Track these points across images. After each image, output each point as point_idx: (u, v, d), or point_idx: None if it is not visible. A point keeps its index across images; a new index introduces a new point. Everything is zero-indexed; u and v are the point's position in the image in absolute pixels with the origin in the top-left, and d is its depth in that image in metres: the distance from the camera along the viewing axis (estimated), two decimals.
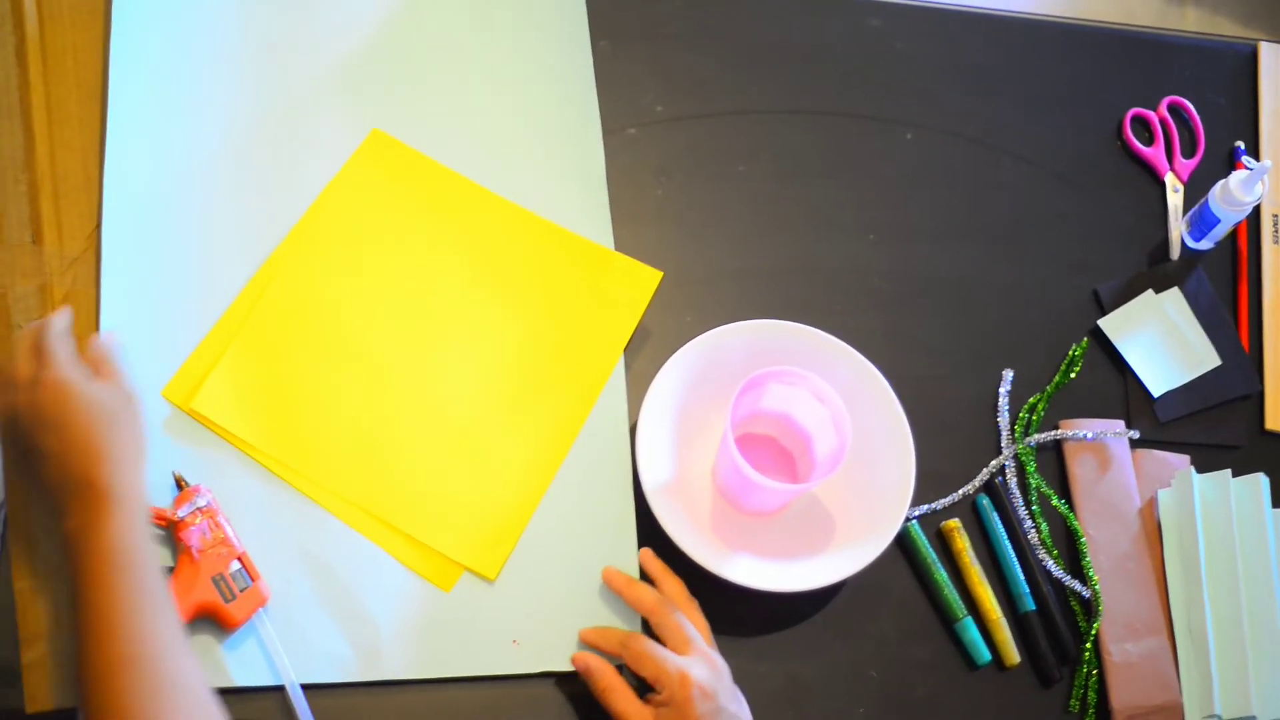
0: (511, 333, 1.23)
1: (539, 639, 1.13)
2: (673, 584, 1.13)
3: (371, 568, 1.13)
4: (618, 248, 1.27)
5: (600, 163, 1.31)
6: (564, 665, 1.12)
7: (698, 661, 1.07)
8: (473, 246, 1.25)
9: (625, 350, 1.23)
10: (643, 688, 1.08)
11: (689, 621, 1.10)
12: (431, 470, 1.17)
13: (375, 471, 1.16)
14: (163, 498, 1.10)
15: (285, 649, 1.07)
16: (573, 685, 1.13)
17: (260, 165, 1.24)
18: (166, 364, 1.15)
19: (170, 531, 1.08)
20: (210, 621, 1.07)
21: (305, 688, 1.07)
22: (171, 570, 1.07)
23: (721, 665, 1.09)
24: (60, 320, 1.07)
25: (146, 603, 0.97)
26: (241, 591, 1.07)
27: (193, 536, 1.07)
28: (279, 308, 1.19)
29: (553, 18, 1.36)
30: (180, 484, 1.10)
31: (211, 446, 1.14)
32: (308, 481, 1.14)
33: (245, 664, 1.07)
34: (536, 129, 1.31)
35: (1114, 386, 1.33)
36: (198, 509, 1.08)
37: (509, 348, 1.22)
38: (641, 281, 1.26)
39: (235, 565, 1.08)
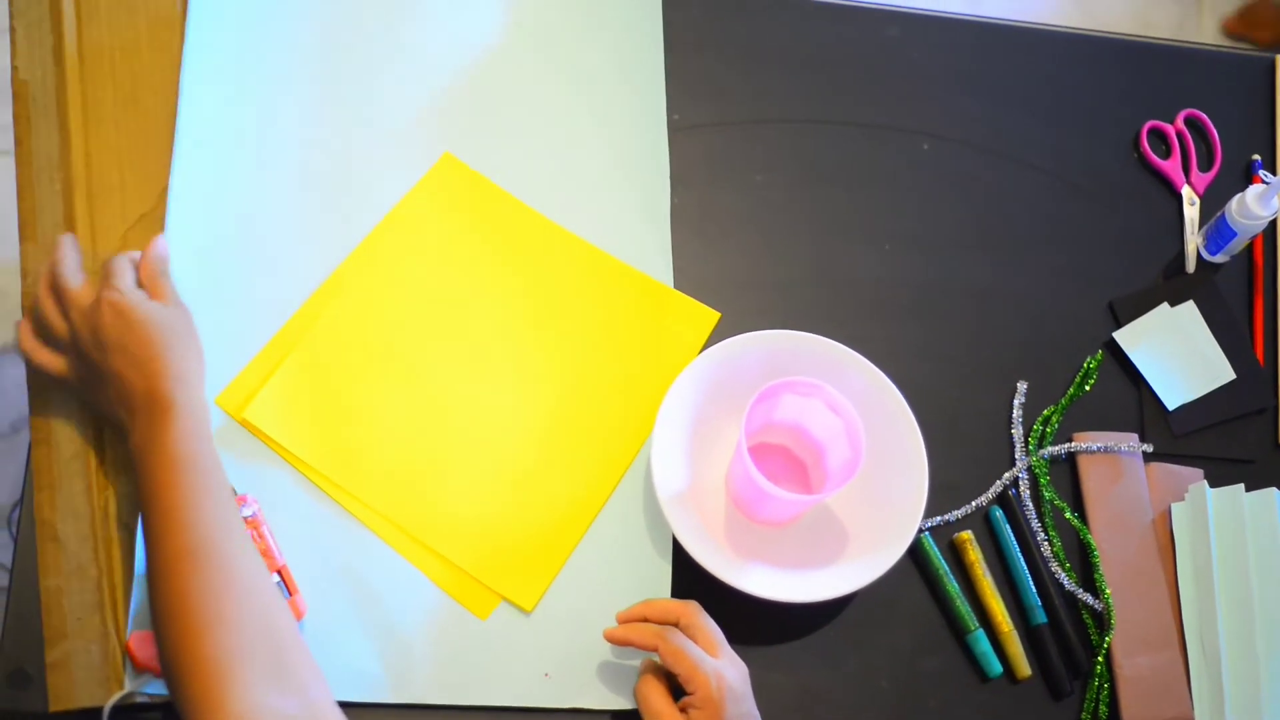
0: (567, 366, 1.23)
1: (571, 674, 1.13)
2: (675, 605, 1.13)
3: (410, 590, 1.14)
4: None
5: (666, 200, 1.31)
6: (595, 703, 1.13)
7: (729, 664, 1.07)
8: (535, 277, 1.26)
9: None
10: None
11: (715, 625, 1.10)
12: (477, 497, 1.17)
13: (421, 494, 1.17)
14: None
15: (319, 664, 1.07)
16: None
17: (330, 181, 1.25)
18: (222, 372, 1.16)
19: None
20: None
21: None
22: None
23: (745, 669, 1.09)
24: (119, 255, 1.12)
25: (208, 499, 1.01)
26: None
27: None
28: (338, 325, 1.20)
29: (626, 47, 1.36)
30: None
31: (260, 457, 1.15)
32: (352, 499, 1.15)
33: None
34: (606, 164, 1.31)
35: (1128, 399, 1.33)
36: (243, 518, 1.08)
37: (564, 381, 1.23)
38: (699, 321, 1.26)
39: (275, 578, 1.08)
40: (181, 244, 1.18)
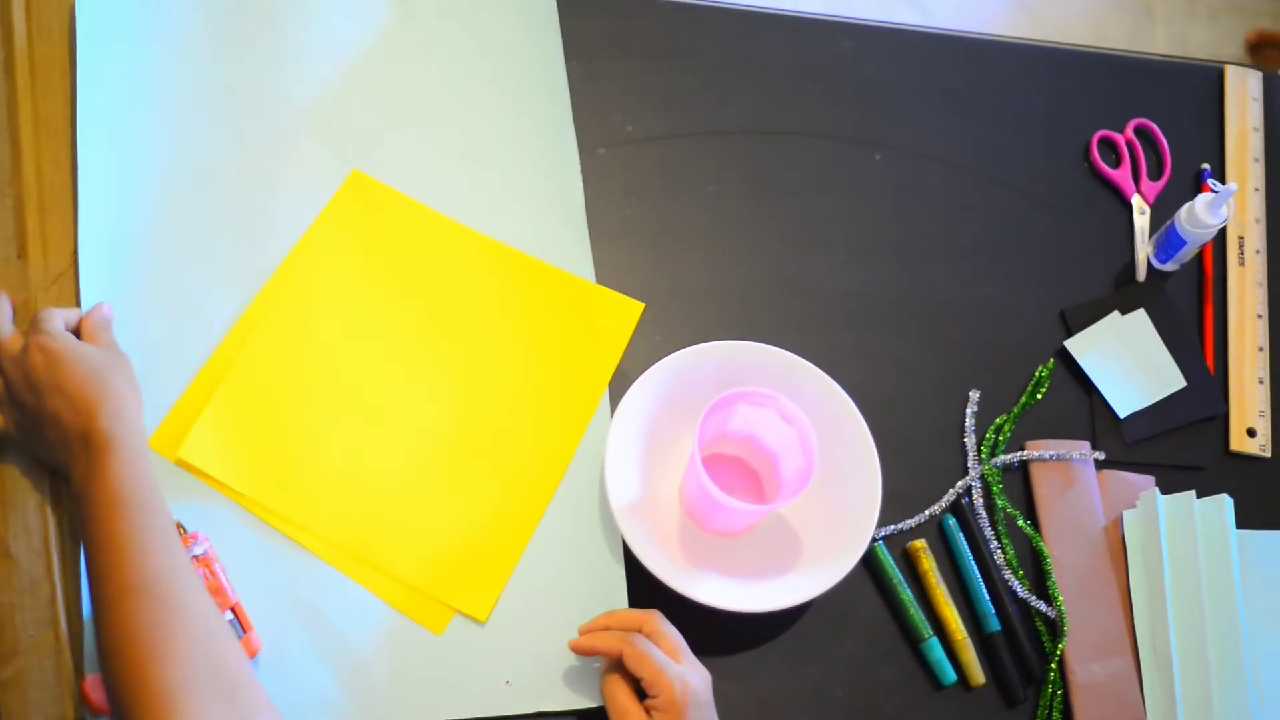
0: (496, 371, 1.23)
1: (532, 678, 1.13)
2: (637, 614, 1.13)
3: (363, 614, 1.13)
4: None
5: (579, 194, 1.31)
6: (559, 705, 1.13)
7: (692, 669, 1.08)
8: (455, 285, 1.25)
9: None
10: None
11: (677, 633, 1.11)
12: (420, 512, 1.17)
13: (364, 515, 1.16)
14: None
15: (278, 696, 1.06)
16: None
17: (237, 207, 1.24)
18: (151, 413, 1.15)
19: None
20: None
21: None
22: None
23: (708, 676, 1.09)
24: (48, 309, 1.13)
25: (150, 534, 1.00)
26: None
27: None
28: (263, 353, 1.19)
29: (526, 48, 1.36)
30: (179, 531, 1.10)
31: (203, 495, 1.14)
32: (297, 527, 1.15)
33: None
34: (514, 163, 1.31)
35: (1080, 407, 1.34)
36: (195, 557, 1.08)
37: (494, 386, 1.22)
38: (624, 314, 1.26)
39: (229, 616, 1.07)
40: (95, 288, 1.17)
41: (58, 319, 1.11)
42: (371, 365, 1.21)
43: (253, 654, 1.08)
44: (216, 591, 1.08)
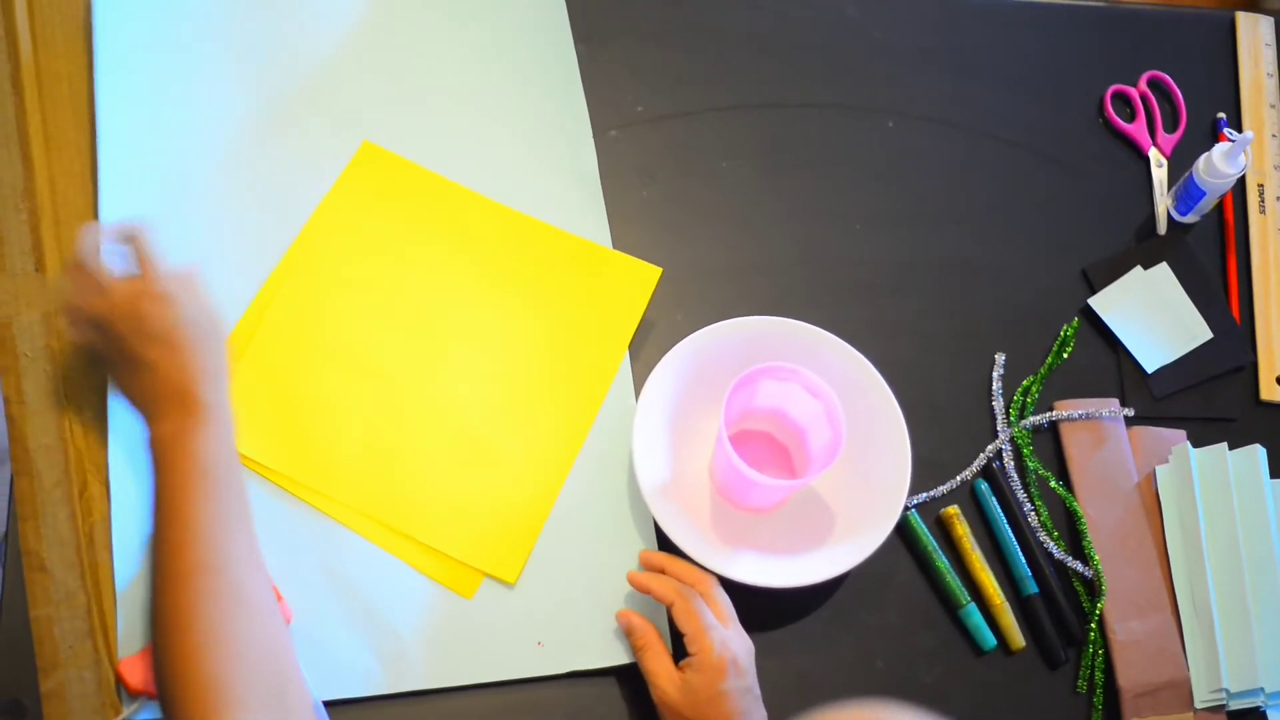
0: (515, 336, 1.23)
1: (563, 639, 1.14)
2: (697, 572, 1.12)
3: (393, 581, 1.14)
4: None
5: (592, 160, 1.31)
6: (589, 663, 1.13)
7: (737, 636, 1.08)
8: (471, 252, 1.26)
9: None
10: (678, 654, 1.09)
11: (729, 601, 1.11)
12: (445, 478, 1.18)
13: (390, 484, 1.17)
14: None
15: (312, 666, 1.08)
16: (599, 684, 1.14)
17: (252, 184, 1.25)
18: None
19: None
20: None
21: (335, 703, 1.09)
22: None
23: (752, 647, 1.09)
24: (152, 233, 1.10)
25: (225, 514, 1.00)
26: None
27: None
28: (282, 327, 1.20)
29: (533, 19, 1.36)
30: None
31: None
32: (324, 498, 1.15)
33: None
34: (526, 131, 1.32)
35: (1107, 365, 1.33)
36: None
37: (513, 351, 1.23)
38: (641, 278, 1.26)
39: None
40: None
41: (168, 264, 1.09)
42: (390, 334, 1.22)
43: (286, 622, 1.08)
44: None
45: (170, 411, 1.03)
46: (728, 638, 1.06)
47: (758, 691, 1.08)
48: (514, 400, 1.21)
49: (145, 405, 1.06)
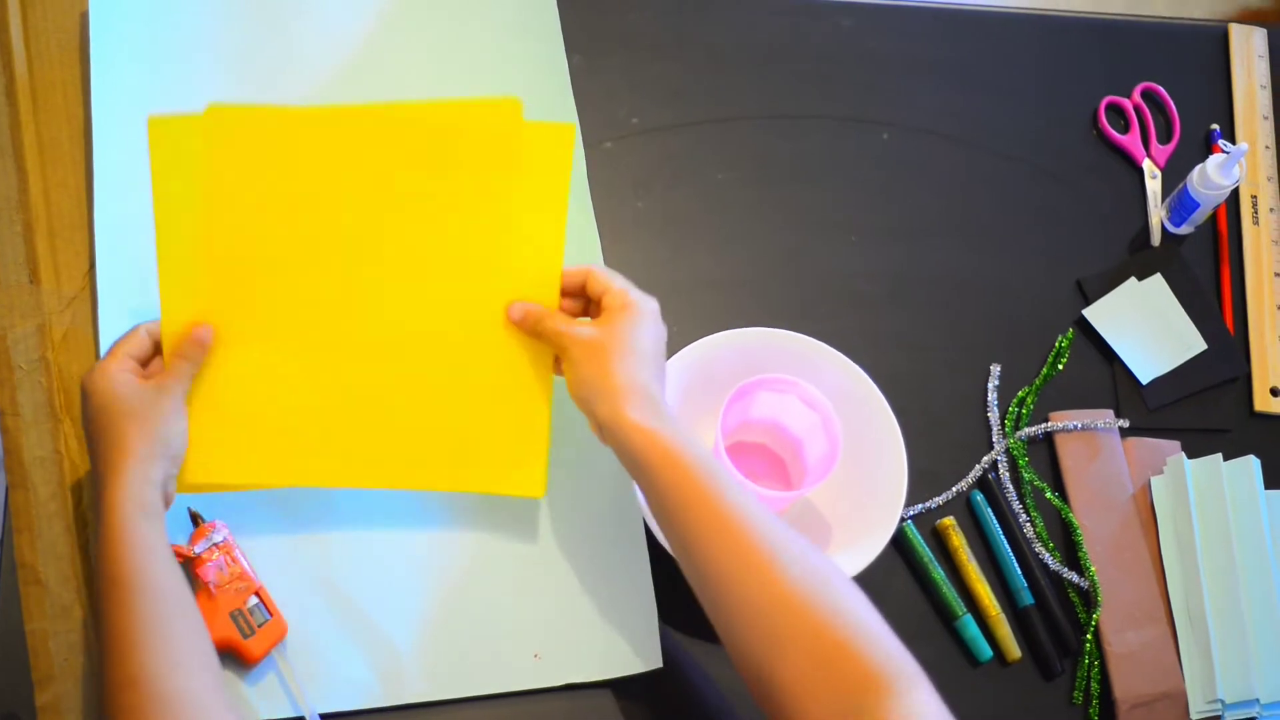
0: (448, 244, 1.12)
1: (560, 651, 1.14)
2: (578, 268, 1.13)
3: (388, 592, 1.14)
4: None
5: (581, 170, 1.31)
6: (587, 676, 1.13)
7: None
8: (361, 172, 1.11)
9: None
10: None
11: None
12: (431, 420, 1.13)
13: (384, 446, 1.13)
14: (179, 534, 1.10)
15: (308, 678, 1.08)
16: (597, 696, 1.14)
17: None
18: None
19: (187, 568, 1.08)
20: (230, 656, 1.07)
21: (331, 716, 1.08)
22: None
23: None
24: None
25: (144, 623, 0.95)
26: (260, 626, 1.07)
27: (209, 572, 1.07)
28: (220, 344, 1.11)
29: (524, 30, 1.35)
30: (196, 520, 1.11)
31: None
32: (332, 479, 1.13)
33: (268, 697, 1.08)
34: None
35: (1102, 376, 1.33)
36: (214, 544, 1.08)
37: (448, 259, 1.12)
38: (558, 139, 1.13)
39: (253, 600, 1.08)
40: (112, 279, 1.16)
41: (132, 343, 1.05)
42: (326, 293, 1.11)
43: (280, 636, 1.08)
44: (239, 577, 1.08)
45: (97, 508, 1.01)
46: (645, 295, 1.08)
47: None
48: (468, 310, 1.13)
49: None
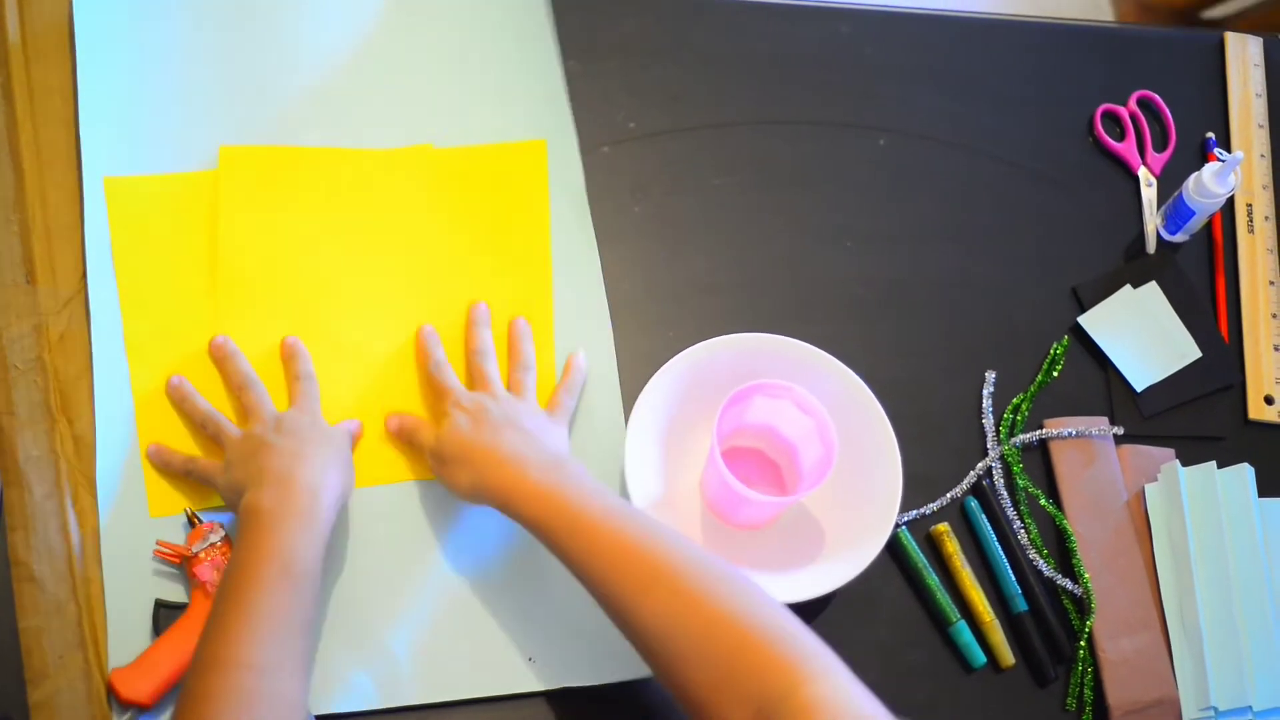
0: (448, 266, 1.25)
1: (554, 655, 1.14)
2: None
3: (385, 595, 1.14)
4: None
5: (579, 174, 1.31)
6: (581, 680, 1.14)
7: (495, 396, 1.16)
8: (373, 211, 1.25)
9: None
10: None
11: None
12: None
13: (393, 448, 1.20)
14: (176, 534, 1.11)
15: None
16: (591, 700, 1.14)
17: None
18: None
19: (184, 568, 1.09)
20: None
21: (327, 718, 1.09)
22: (185, 608, 1.08)
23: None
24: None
25: (289, 615, 0.99)
26: None
27: (207, 572, 1.08)
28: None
29: (518, 35, 1.35)
30: (193, 520, 1.11)
31: None
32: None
33: None
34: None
35: (1096, 383, 1.33)
36: (211, 545, 1.09)
37: (452, 281, 1.25)
38: (531, 156, 1.29)
39: None
40: (102, 284, 1.19)
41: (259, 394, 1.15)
42: (333, 323, 1.22)
43: None
44: None
45: (269, 487, 1.04)
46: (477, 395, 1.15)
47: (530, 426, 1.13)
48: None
49: (247, 480, 1.06)
